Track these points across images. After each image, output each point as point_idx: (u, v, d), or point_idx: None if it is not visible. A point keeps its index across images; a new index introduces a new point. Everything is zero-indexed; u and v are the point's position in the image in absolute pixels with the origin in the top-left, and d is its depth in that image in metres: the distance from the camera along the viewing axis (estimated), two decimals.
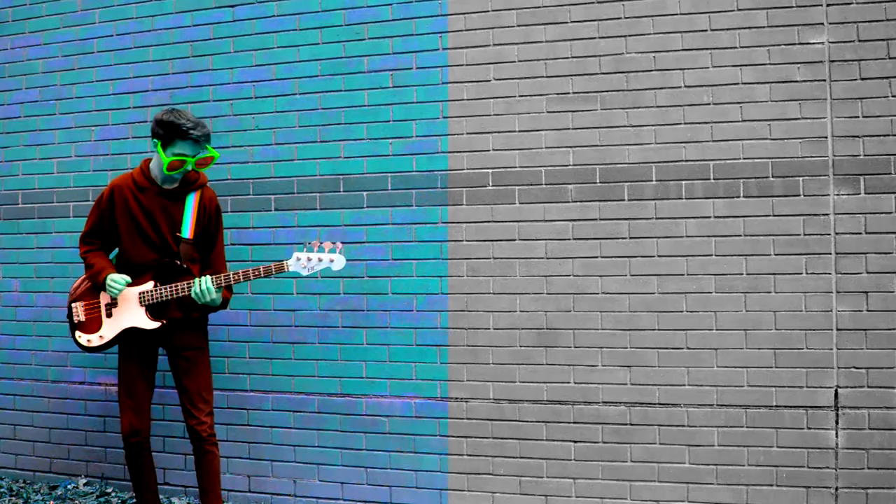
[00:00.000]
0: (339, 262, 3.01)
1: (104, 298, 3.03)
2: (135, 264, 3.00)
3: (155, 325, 2.98)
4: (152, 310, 2.98)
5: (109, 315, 3.01)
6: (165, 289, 2.95)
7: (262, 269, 2.97)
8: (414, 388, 3.40)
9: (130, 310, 2.98)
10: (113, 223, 3.03)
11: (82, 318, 3.06)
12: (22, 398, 3.89)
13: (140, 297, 2.97)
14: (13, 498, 3.59)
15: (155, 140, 2.94)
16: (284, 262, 2.99)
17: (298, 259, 2.98)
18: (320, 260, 2.98)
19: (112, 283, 2.94)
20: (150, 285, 2.98)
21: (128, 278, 2.96)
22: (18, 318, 3.90)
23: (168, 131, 2.89)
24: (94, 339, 3.02)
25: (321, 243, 3.02)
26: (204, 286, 2.91)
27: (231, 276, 2.97)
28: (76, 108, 3.84)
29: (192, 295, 2.92)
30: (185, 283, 2.95)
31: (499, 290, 3.32)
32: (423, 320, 3.39)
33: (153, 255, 2.99)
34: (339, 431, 3.47)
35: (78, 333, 3.06)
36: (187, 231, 3.02)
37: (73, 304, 3.09)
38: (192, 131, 2.87)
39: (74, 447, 3.80)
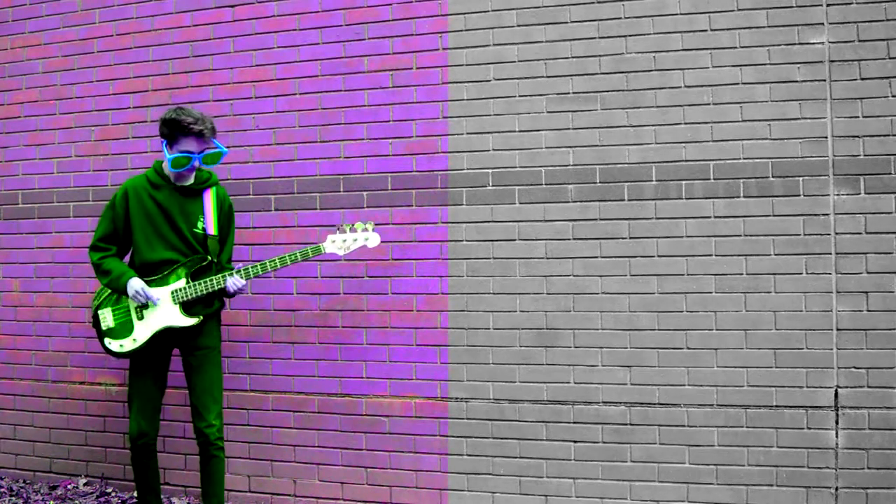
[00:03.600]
0: (374, 239, 3.06)
1: (134, 301, 2.97)
2: (151, 263, 2.97)
3: (192, 321, 2.97)
4: (186, 307, 2.98)
5: (141, 317, 2.97)
6: (199, 284, 2.94)
7: (298, 254, 2.99)
8: (414, 388, 3.40)
9: (163, 309, 2.96)
10: (127, 223, 3.00)
11: (111, 324, 2.99)
12: (22, 398, 3.89)
13: (172, 296, 2.95)
14: (13, 498, 3.59)
15: (163, 140, 2.95)
16: (320, 244, 3.03)
17: (334, 241, 3.03)
18: (355, 240, 3.04)
19: (139, 294, 2.91)
20: (182, 282, 2.96)
21: (158, 296, 2.94)
22: (18, 318, 3.90)
23: (172, 129, 2.91)
24: (126, 344, 2.96)
25: (353, 224, 3.07)
26: (243, 281, 2.96)
27: (268, 263, 2.98)
28: (76, 108, 3.84)
29: (234, 289, 2.96)
30: (216, 277, 2.96)
31: (499, 290, 3.32)
32: (423, 320, 3.39)
33: (170, 253, 2.97)
34: (339, 431, 3.47)
35: (108, 340, 2.98)
36: (211, 227, 3.02)
37: (98, 312, 3.02)
38: (193, 126, 2.87)
39: (74, 447, 3.80)
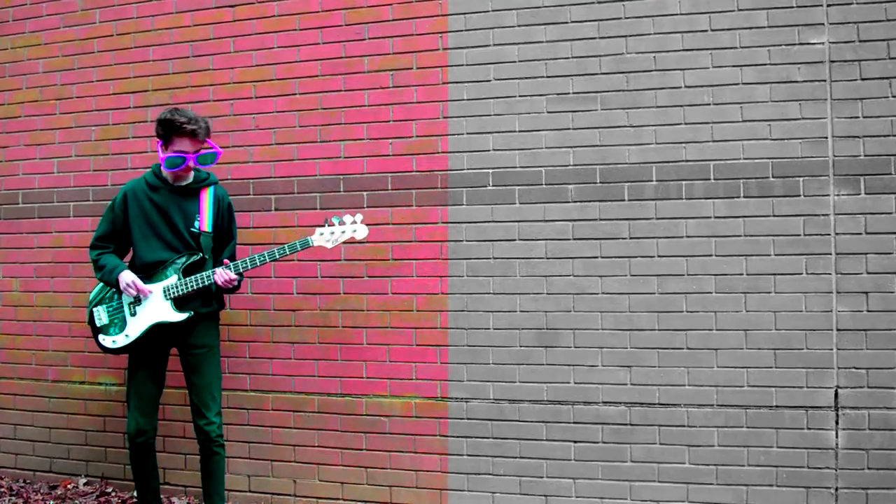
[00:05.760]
0: (361, 231, 3.05)
1: (127, 297, 3.01)
2: (149, 263, 3.00)
3: (182, 316, 2.98)
4: (178, 302, 2.99)
5: (133, 314, 3.00)
6: (190, 280, 2.96)
7: (287, 248, 3.00)
8: (414, 388, 3.40)
9: (155, 305, 2.98)
10: (126, 225, 3.04)
11: (105, 320, 3.04)
12: (22, 398, 3.89)
13: (164, 292, 2.97)
14: (13, 498, 3.59)
15: (159, 140, 3.00)
16: (308, 237, 3.02)
17: (321, 234, 3.02)
18: (343, 232, 3.03)
19: (130, 286, 2.93)
20: (174, 279, 2.98)
21: (151, 290, 2.96)
22: (18, 318, 3.90)
23: (166, 129, 2.96)
24: (119, 340, 3.00)
25: (342, 217, 3.05)
26: (233, 273, 2.95)
27: (256, 257, 2.98)
28: (76, 108, 3.84)
29: (221, 280, 2.94)
30: (206, 272, 2.97)
31: (499, 290, 3.32)
32: (423, 320, 3.39)
33: (168, 253, 3.00)
34: (339, 431, 3.47)
35: (101, 337, 3.04)
36: (205, 223, 3.05)
37: (94, 310, 3.07)
38: (186, 126, 2.93)
39: (74, 447, 3.80)
